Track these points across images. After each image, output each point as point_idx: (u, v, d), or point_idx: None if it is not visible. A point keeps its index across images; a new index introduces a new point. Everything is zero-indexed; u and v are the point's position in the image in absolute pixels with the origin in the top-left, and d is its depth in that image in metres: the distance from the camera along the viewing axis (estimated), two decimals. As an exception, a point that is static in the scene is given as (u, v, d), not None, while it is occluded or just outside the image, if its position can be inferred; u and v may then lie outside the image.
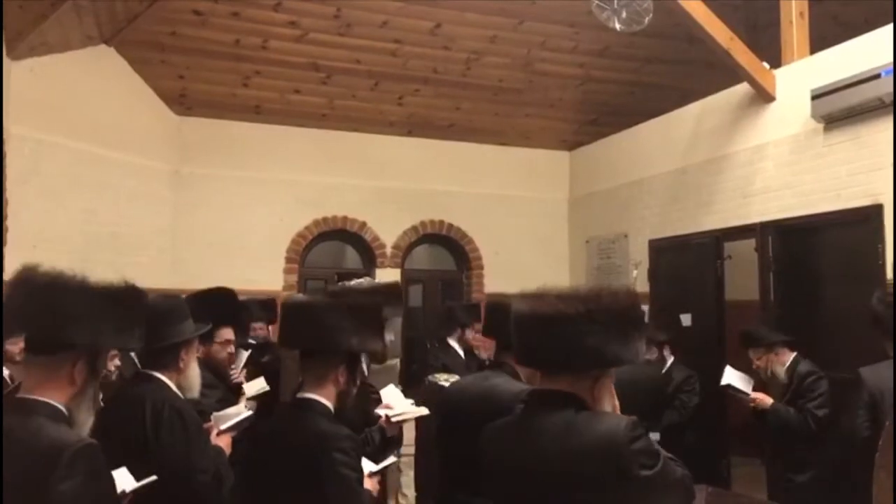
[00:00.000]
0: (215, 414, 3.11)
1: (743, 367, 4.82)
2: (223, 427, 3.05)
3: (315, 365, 2.54)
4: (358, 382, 2.67)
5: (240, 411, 3.15)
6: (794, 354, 4.60)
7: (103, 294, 2.02)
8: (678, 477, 1.87)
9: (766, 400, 4.54)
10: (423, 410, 3.69)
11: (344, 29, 6.70)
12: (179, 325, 2.92)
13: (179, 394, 2.89)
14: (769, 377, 4.63)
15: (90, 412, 1.99)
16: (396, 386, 4.05)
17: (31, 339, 1.97)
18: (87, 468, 1.79)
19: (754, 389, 4.68)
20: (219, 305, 3.89)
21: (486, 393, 2.80)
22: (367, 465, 2.72)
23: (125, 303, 2.07)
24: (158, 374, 2.85)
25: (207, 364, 3.77)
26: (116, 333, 2.04)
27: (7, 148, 5.21)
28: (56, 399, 1.91)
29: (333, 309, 2.55)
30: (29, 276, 1.98)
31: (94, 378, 2.00)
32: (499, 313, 2.98)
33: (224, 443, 3.01)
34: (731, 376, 4.68)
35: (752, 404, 4.58)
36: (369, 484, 2.60)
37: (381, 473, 2.83)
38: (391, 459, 3.06)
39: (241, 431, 3.16)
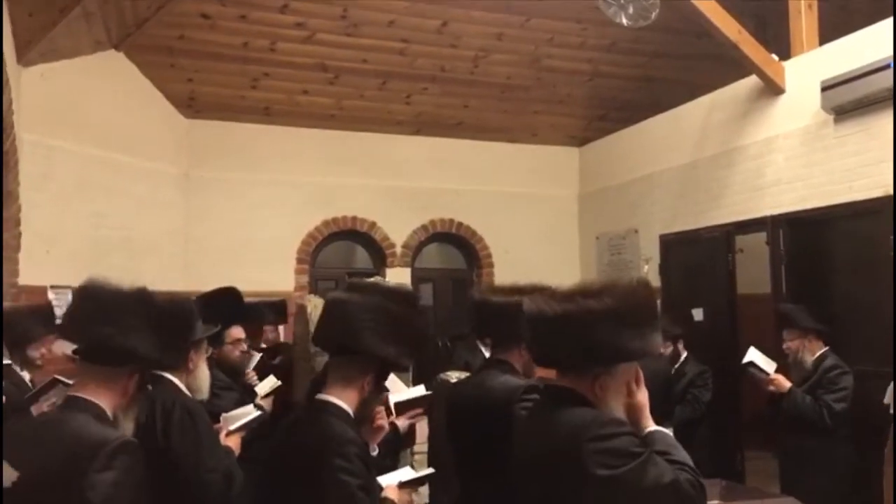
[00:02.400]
0: (224, 415, 3.13)
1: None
2: (232, 427, 3.06)
3: (344, 366, 2.37)
4: (382, 395, 2.52)
5: (249, 412, 3.15)
6: (825, 348, 4.59)
7: (163, 311, 2.11)
8: (662, 483, 1.77)
9: (785, 383, 4.53)
10: (421, 390, 3.71)
11: (351, 29, 6.71)
12: (189, 326, 2.93)
13: (189, 394, 2.91)
14: (797, 362, 4.62)
15: (132, 420, 2.07)
16: (402, 383, 4.07)
17: (89, 348, 2.04)
18: (126, 464, 1.86)
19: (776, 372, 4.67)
20: (226, 305, 3.90)
21: (482, 391, 2.79)
22: (398, 476, 2.61)
23: (180, 321, 2.16)
24: (168, 375, 2.87)
25: (221, 365, 3.81)
26: (168, 351, 2.15)
27: (20, 154, 5.25)
28: (104, 403, 2.00)
29: (376, 313, 2.36)
30: (96, 287, 2.05)
31: (142, 390, 2.09)
32: (486, 312, 2.91)
33: (233, 443, 3.03)
34: (754, 355, 4.67)
35: (770, 386, 4.57)
36: (396, 494, 2.45)
37: (417, 483, 2.67)
38: (428, 470, 2.87)
39: (251, 431, 3.17)
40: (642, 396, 1.96)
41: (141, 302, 2.06)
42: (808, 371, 4.55)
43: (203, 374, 2.99)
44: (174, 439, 2.67)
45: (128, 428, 2.05)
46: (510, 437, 2.20)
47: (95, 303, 2.03)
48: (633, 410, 1.95)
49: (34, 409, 3.36)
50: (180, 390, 2.87)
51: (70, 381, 3.16)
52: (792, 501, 3.81)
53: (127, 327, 2.00)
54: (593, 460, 1.73)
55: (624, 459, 1.75)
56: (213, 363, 3.74)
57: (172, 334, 2.15)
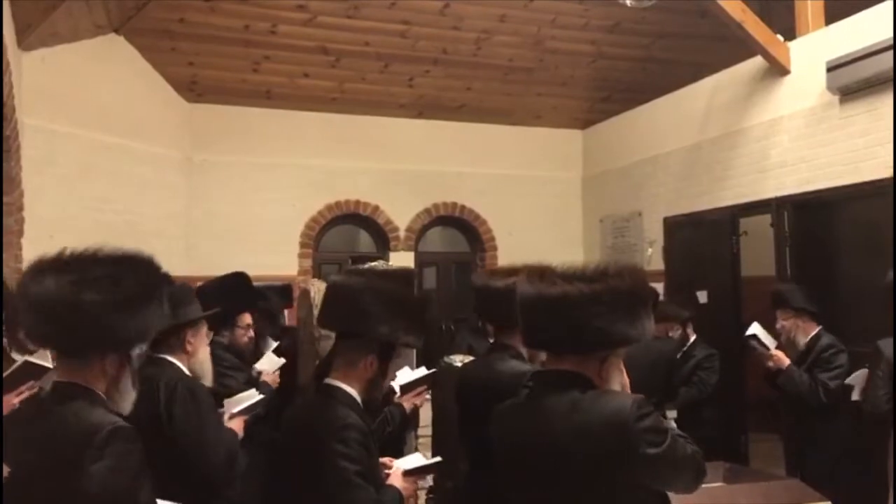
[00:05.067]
0: (227, 399, 3.12)
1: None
2: (234, 411, 3.06)
3: (347, 349, 2.43)
4: (389, 375, 2.55)
5: (252, 395, 3.14)
6: (819, 328, 4.60)
7: (128, 293, 1.95)
8: (687, 454, 1.87)
9: (784, 360, 4.55)
10: (423, 371, 3.74)
11: (352, 11, 6.66)
12: (184, 308, 2.91)
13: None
14: (790, 341, 4.64)
15: (128, 393, 1.99)
16: (412, 369, 4.09)
17: (58, 346, 1.97)
18: (120, 450, 1.80)
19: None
20: (237, 290, 3.89)
21: (490, 375, 2.79)
22: (405, 463, 2.61)
23: (150, 296, 2.02)
24: (170, 358, 2.87)
25: (230, 349, 3.84)
26: (147, 328, 2.01)
27: (21, 139, 5.24)
28: (93, 385, 1.93)
29: (374, 294, 2.43)
30: (41, 278, 1.92)
31: (126, 365, 1.99)
32: (486, 297, 2.94)
33: (237, 427, 3.02)
34: (757, 329, 4.70)
35: (769, 362, 4.58)
36: (400, 482, 2.46)
37: (423, 472, 2.68)
38: (435, 459, 2.87)
39: (254, 416, 3.18)
40: (626, 376, 2.03)
41: (101, 284, 1.93)
42: (801, 351, 4.57)
43: (204, 358, 2.96)
44: (177, 418, 2.67)
45: (127, 401, 1.98)
46: None
47: (48, 298, 1.90)
48: (624, 390, 1.99)
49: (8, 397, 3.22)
50: (183, 371, 2.87)
51: (44, 364, 3.10)
52: (795, 483, 3.83)
53: (87, 315, 1.87)
54: (643, 440, 1.79)
55: (663, 436, 1.83)
56: (225, 347, 3.79)
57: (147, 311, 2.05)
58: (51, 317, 1.89)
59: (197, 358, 2.92)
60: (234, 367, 3.75)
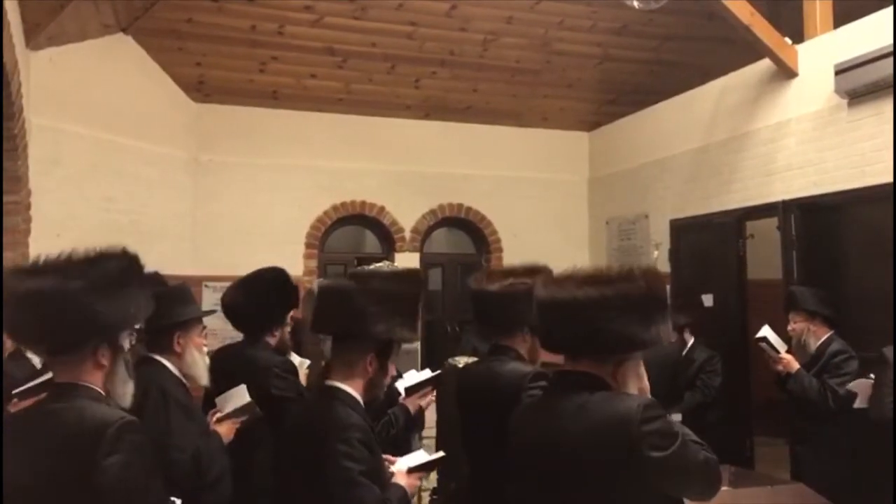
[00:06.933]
0: (219, 397, 2.99)
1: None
2: (225, 412, 2.92)
3: (345, 350, 2.43)
4: (389, 372, 2.54)
5: (242, 396, 2.95)
6: (831, 332, 4.57)
7: (107, 277, 1.99)
8: (699, 461, 1.85)
9: (794, 363, 4.52)
10: (428, 373, 3.71)
11: (359, 12, 6.67)
12: (178, 308, 2.87)
13: (183, 379, 2.85)
14: (800, 346, 4.62)
15: (126, 383, 2.03)
16: (418, 371, 4.09)
17: (49, 346, 1.99)
18: (131, 443, 1.84)
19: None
20: (285, 286, 3.69)
21: (492, 377, 2.80)
22: (408, 461, 2.60)
23: (129, 280, 2.05)
24: (160, 358, 2.85)
25: (280, 350, 3.63)
26: (131, 312, 2.04)
27: (29, 138, 5.26)
28: (91, 382, 1.95)
29: (367, 294, 2.43)
30: (21, 283, 1.96)
31: (119, 354, 2.02)
32: (482, 302, 2.92)
33: (224, 430, 2.90)
34: (768, 332, 4.67)
35: (778, 365, 4.56)
36: (405, 480, 2.46)
37: (427, 468, 2.67)
38: (439, 454, 2.83)
39: (247, 421, 3.00)
40: (646, 381, 2.02)
41: (84, 281, 1.97)
42: (811, 355, 4.55)
43: (193, 360, 2.89)
44: (147, 419, 2.60)
45: (126, 393, 2.01)
46: None
47: (32, 301, 1.94)
48: (642, 394, 1.99)
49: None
50: (171, 374, 2.83)
51: None
52: (801, 487, 3.81)
53: (74, 313, 1.91)
54: (647, 442, 1.78)
55: (670, 440, 1.81)
56: (275, 349, 3.56)
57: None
58: (37, 313, 1.92)
59: (185, 359, 2.87)
60: (289, 370, 3.47)
